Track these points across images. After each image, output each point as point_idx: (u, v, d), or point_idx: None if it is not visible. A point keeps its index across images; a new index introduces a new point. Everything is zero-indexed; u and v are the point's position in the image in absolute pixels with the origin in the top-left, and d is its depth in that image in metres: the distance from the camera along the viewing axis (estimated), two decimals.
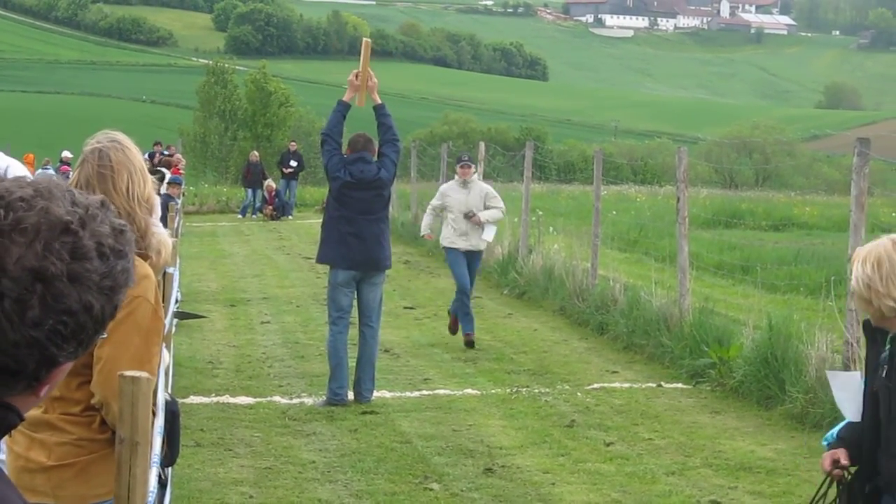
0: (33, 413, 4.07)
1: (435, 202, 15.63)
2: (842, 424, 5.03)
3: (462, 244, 14.96)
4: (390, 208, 12.53)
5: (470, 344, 14.57)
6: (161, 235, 4.46)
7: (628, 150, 76.35)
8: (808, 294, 17.25)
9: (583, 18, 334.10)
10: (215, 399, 11.61)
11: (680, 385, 12.60)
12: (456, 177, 15.42)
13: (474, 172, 15.52)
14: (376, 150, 11.70)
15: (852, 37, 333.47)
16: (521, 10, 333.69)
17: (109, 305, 1.79)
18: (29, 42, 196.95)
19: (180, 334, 14.47)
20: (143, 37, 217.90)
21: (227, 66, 60.40)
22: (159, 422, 4.54)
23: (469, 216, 14.93)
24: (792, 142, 79.59)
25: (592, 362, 13.94)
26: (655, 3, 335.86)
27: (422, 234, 16.52)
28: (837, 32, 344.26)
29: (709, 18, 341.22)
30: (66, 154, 37.91)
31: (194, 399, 11.51)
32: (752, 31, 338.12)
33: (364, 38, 11.96)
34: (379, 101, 11.59)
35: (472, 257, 15.08)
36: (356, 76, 11.41)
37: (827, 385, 10.53)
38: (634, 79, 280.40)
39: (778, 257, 21.83)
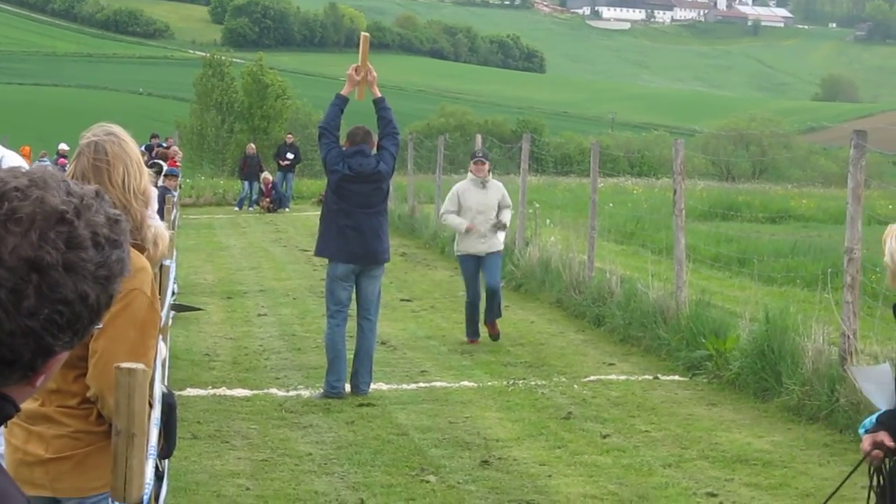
0: (31, 406, 4.07)
1: (449, 207, 14.60)
2: (878, 413, 4.99)
3: (481, 247, 14.32)
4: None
5: (495, 337, 14.57)
6: (157, 228, 4.45)
7: (625, 142, 76.31)
8: (804, 286, 17.28)
9: (579, 11, 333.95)
10: (212, 391, 11.61)
11: (676, 377, 12.61)
12: (469, 175, 14.66)
13: (490, 170, 14.74)
14: (375, 143, 11.68)
15: (849, 29, 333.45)
16: (517, 2, 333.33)
17: (105, 295, 1.79)
18: (25, 34, 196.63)
19: (177, 326, 14.47)
20: (139, 29, 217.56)
21: (223, 58, 60.40)
22: (156, 414, 4.54)
23: (500, 227, 14.38)
24: (789, 134, 79.57)
25: (589, 354, 13.95)
26: None
27: (464, 229, 14.37)
28: (834, 25, 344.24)
29: (706, 11, 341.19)
30: (63, 147, 37.92)
31: (191, 391, 11.51)
32: (749, 23, 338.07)
33: (362, 33, 11.94)
34: (379, 95, 11.58)
35: (493, 260, 14.47)
36: (356, 70, 11.40)
37: (824, 377, 10.57)
38: (631, 71, 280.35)
39: (774, 249, 21.82)
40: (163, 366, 6.19)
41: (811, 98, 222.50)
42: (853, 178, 10.55)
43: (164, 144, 35.45)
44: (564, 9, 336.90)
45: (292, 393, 11.66)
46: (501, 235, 14.59)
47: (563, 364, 13.35)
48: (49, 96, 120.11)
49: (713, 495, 8.54)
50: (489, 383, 12.28)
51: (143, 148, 28.98)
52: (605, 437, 10.16)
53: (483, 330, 14.67)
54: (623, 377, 12.63)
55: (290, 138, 39.14)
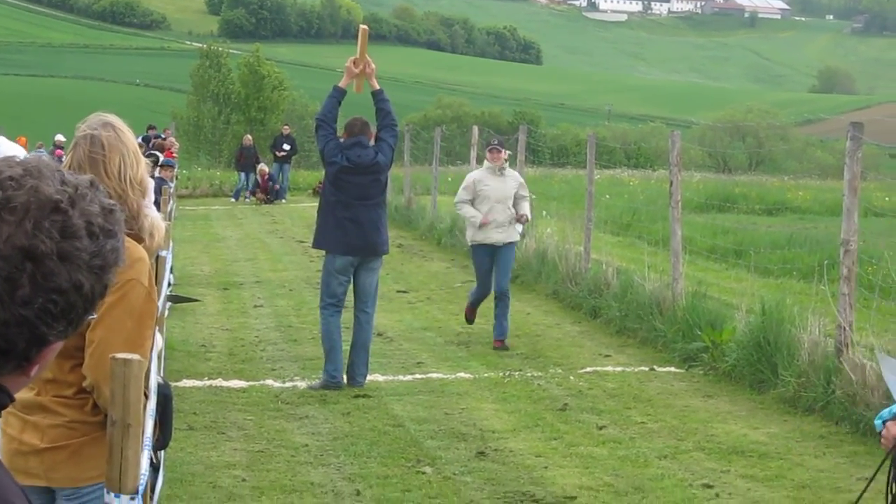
0: (26, 395, 4.07)
1: (464, 196, 14.02)
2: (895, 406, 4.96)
3: (498, 237, 13.81)
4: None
5: (502, 348, 13.78)
6: (154, 218, 4.45)
7: (622, 134, 76.33)
8: (800, 278, 17.28)
9: (576, 2, 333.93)
10: (208, 382, 11.60)
11: (672, 369, 12.61)
12: (486, 163, 14.19)
13: (506, 158, 14.26)
14: (373, 134, 11.67)
15: (846, 21, 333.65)
16: None
17: (99, 284, 1.79)
18: (22, 25, 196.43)
19: (173, 318, 14.47)
20: (136, 20, 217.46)
21: (220, 49, 60.36)
22: (151, 405, 4.54)
23: (522, 220, 13.88)
24: (785, 126, 79.69)
25: (585, 346, 13.95)
26: None
27: (479, 223, 13.79)
28: (831, 17, 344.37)
29: (703, 2, 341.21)
30: (60, 137, 37.86)
31: (187, 382, 11.51)
32: (746, 15, 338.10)
33: (361, 26, 11.93)
34: (377, 87, 11.56)
35: (507, 254, 14.02)
36: (354, 63, 11.37)
37: (820, 369, 10.58)
38: (628, 63, 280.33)
39: (771, 241, 21.84)
40: (159, 357, 6.19)
41: (808, 90, 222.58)
42: (849, 169, 10.54)
43: (162, 136, 35.42)
44: (561, 0, 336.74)
45: (288, 384, 11.66)
46: (520, 227, 14.08)
47: (559, 355, 13.35)
48: (45, 87, 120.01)
49: (709, 486, 8.54)
50: (485, 375, 12.28)
51: (140, 139, 28.93)
52: (601, 428, 10.16)
53: (480, 321, 14.64)
54: (619, 369, 12.63)
55: (286, 129, 39.11)
